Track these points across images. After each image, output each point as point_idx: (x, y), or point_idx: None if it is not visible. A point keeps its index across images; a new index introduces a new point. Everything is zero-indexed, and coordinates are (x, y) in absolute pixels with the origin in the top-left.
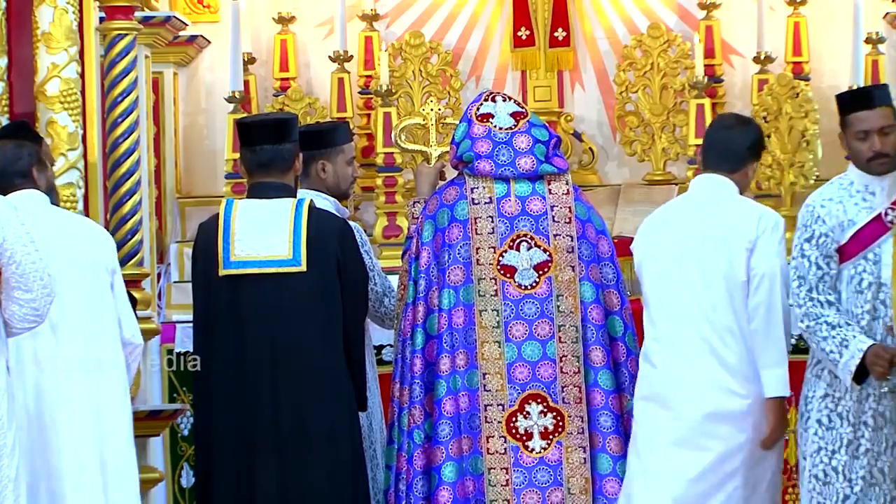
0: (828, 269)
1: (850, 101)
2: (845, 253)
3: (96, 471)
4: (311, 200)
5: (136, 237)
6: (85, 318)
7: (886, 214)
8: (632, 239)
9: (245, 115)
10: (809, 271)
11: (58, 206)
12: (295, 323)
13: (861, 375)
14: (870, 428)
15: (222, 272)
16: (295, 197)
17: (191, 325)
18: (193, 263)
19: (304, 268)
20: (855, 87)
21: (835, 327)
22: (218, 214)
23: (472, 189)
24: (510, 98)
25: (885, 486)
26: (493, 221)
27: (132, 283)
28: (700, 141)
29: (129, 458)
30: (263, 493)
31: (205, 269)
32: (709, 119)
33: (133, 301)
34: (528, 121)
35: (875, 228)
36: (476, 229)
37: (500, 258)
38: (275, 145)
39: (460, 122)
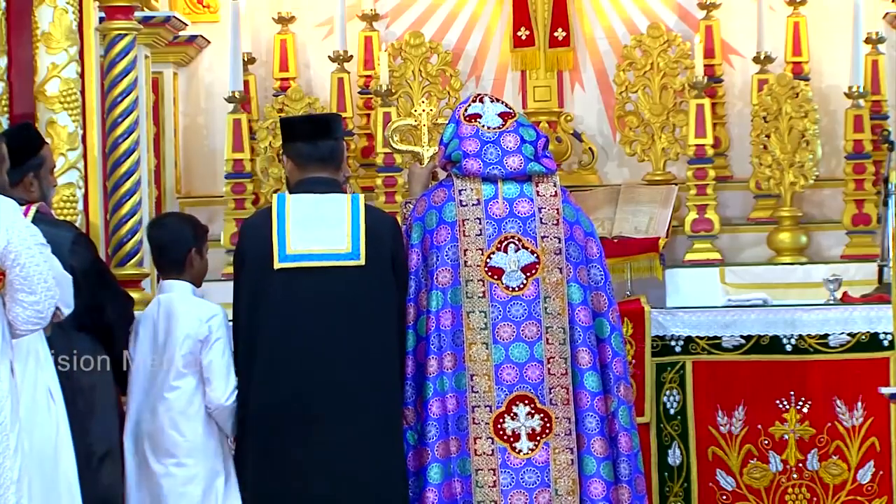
0: None
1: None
2: None
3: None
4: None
5: (136, 237)
6: None
7: None
8: (632, 239)
9: (247, 115)
10: None
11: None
12: (354, 315)
13: None
14: None
15: (277, 266)
16: (343, 193)
17: None
18: (240, 259)
19: (362, 262)
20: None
21: None
22: (267, 209)
23: (459, 191)
24: (498, 99)
25: None
26: (480, 223)
27: (132, 283)
28: (699, 141)
29: None
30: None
31: (256, 263)
32: (709, 119)
33: (130, 299)
34: (515, 121)
35: None
36: (464, 231)
37: (488, 260)
38: (335, 140)
39: (448, 123)
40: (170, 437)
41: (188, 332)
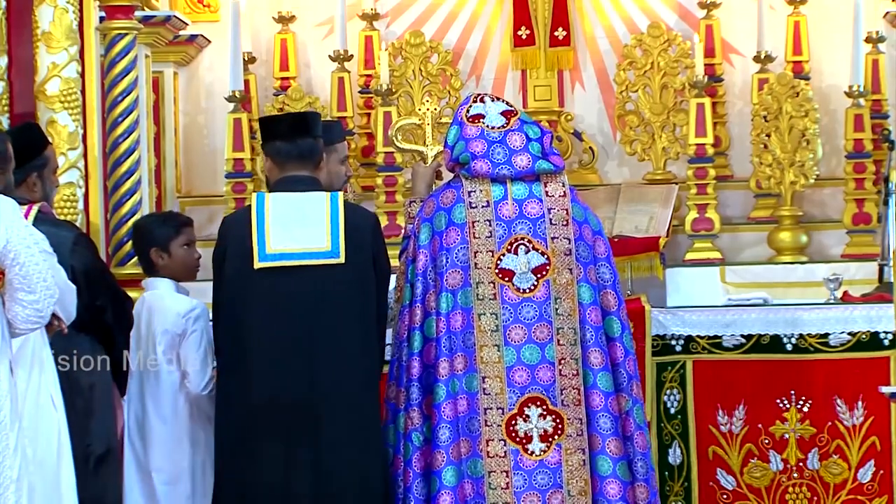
0: None
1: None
2: None
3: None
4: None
5: None
6: None
7: None
8: (632, 238)
9: (247, 114)
10: None
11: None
12: (334, 314)
13: None
14: None
15: (258, 265)
16: (323, 191)
17: None
18: (220, 258)
19: (342, 259)
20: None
21: None
22: (247, 208)
23: (469, 192)
24: (498, 98)
25: None
26: (490, 225)
27: (132, 283)
28: (700, 140)
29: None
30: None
31: (235, 262)
32: (709, 118)
33: (129, 300)
34: (518, 118)
35: None
36: (474, 233)
37: (499, 262)
38: (314, 138)
39: (451, 125)
40: (158, 430)
41: (167, 327)
